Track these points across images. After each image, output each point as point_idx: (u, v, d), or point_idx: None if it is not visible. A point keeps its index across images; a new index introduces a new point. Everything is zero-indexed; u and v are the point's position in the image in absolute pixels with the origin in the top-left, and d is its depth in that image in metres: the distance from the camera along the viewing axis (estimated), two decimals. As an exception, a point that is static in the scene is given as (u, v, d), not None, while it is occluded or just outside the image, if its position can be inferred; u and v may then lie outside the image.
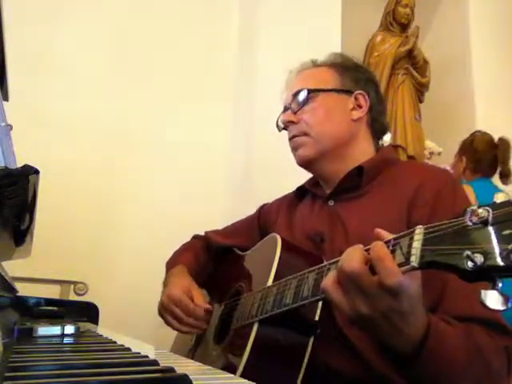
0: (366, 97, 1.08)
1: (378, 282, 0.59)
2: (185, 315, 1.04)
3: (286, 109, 1.11)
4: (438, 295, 0.80)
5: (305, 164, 1.10)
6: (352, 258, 0.61)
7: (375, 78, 1.18)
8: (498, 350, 0.75)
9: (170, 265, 1.24)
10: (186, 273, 1.16)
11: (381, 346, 0.69)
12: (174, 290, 1.08)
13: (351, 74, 1.10)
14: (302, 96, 1.07)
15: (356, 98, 1.08)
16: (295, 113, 1.08)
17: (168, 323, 1.09)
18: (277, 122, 1.14)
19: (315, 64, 1.14)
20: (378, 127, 1.11)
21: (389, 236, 0.62)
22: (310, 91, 1.07)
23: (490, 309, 0.47)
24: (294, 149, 1.10)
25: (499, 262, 0.46)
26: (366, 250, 0.62)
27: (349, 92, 1.08)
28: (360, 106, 1.08)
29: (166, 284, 1.16)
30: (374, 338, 0.68)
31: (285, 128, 1.12)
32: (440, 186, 0.93)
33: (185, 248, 1.32)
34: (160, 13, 2.15)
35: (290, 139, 1.10)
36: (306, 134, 1.07)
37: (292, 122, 1.08)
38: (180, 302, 1.05)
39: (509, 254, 0.46)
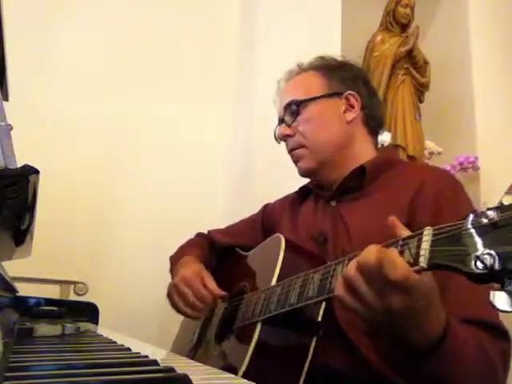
0: (356, 95, 1.08)
1: (385, 277, 0.58)
2: (194, 297, 1.04)
3: (280, 121, 1.12)
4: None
5: (307, 175, 1.11)
6: (368, 251, 0.61)
7: (362, 72, 1.18)
8: (500, 355, 0.75)
9: (176, 258, 1.25)
10: (197, 261, 1.16)
11: (394, 341, 0.68)
12: (187, 273, 1.08)
13: (338, 74, 1.09)
14: (293, 107, 1.07)
15: (347, 99, 1.07)
16: (289, 125, 1.08)
17: (174, 304, 1.09)
18: (274, 134, 1.15)
19: (301, 68, 1.13)
20: (373, 123, 1.11)
21: (402, 226, 0.63)
22: (299, 102, 1.06)
23: (498, 309, 0.47)
24: (295, 162, 1.10)
25: (508, 263, 0.46)
26: None
27: (338, 94, 1.07)
28: (352, 106, 1.07)
29: (175, 272, 1.16)
30: (389, 332, 0.67)
31: (282, 140, 1.12)
32: (441, 187, 0.93)
33: (190, 243, 1.33)
34: (160, 12, 2.14)
35: (289, 152, 1.11)
36: (303, 146, 1.07)
37: (288, 136, 1.09)
38: (192, 284, 1.05)
39: None
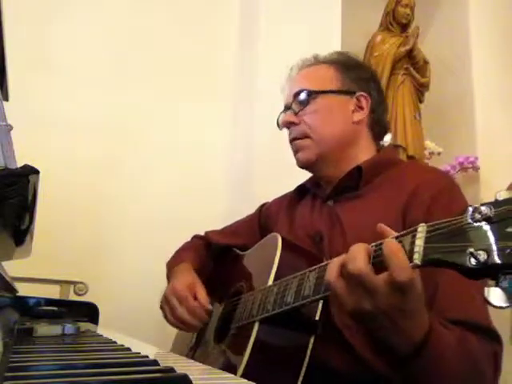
0: (368, 98, 1.07)
1: (387, 280, 0.58)
2: (185, 311, 1.03)
3: (286, 108, 1.10)
4: (429, 297, 0.79)
5: (305, 167, 1.10)
6: (356, 257, 0.61)
7: (377, 76, 1.17)
8: (489, 357, 0.75)
9: (172, 263, 1.25)
10: (191, 269, 1.15)
11: (378, 344, 0.68)
12: (178, 285, 1.07)
13: (353, 73, 1.09)
14: (303, 97, 1.06)
15: (358, 99, 1.07)
16: (296, 114, 1.07)
17: (166, 317, 1.09)
18: (277, 120, 1.13)
19: (317, 60, 1.12)
20: (378, 128, 1.11)
21: (391, 232, 0.62)
22: (311, 92, 1.05)
23: (493, 306, 0.47)
24: (295, 151, 1.09)
25: (502, 259, 0.46)
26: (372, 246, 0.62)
27: (350, 93, 1.06)
28: (361, 108, 1.07)
29: (169, 280, 1.16)
30: (372, 333, 0.67)
31: (286, 127, 1.11)
32: (438, 188, 0.92)
33: (186, 247, 1.32)
34: (160, 12, 2.14)
35: (291, 141, 1.10)
36: (307, 137, 1.06)
37: (293, 124, 1.07)
38: (182, 298, 1.04)
39: None
